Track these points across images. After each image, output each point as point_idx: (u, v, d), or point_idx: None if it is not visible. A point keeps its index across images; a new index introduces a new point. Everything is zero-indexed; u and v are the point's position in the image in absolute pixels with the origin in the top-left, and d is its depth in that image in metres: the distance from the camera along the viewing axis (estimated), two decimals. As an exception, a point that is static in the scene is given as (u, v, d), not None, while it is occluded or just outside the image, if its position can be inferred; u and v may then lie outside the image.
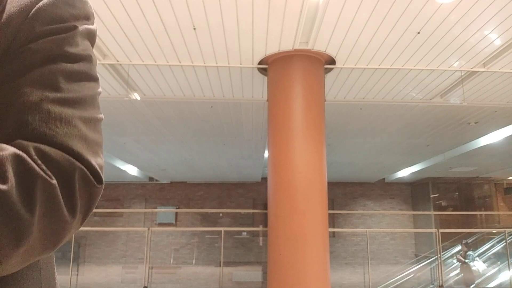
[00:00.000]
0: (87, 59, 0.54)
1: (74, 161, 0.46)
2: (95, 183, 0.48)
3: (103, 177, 0.50)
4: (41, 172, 0.41)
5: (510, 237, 8.56)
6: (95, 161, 0.49)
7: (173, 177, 14.09)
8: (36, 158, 0.42)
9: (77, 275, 11.60)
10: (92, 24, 0.57)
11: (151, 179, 14.53)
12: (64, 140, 0.46)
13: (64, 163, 0.44)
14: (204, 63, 4.53)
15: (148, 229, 6.94)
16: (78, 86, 0.51)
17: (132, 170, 11.98)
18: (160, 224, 14.45)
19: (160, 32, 3.84)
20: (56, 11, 0.52)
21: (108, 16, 3.56)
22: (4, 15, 0.49)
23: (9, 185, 0.38)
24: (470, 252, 8.76)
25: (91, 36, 0.57)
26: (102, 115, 0.54)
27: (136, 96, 5.36)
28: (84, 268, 13.08)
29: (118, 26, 3.72)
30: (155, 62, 4.48)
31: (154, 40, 4.00)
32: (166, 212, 14.42)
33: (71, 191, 0.45)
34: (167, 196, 14.73)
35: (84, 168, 0.47)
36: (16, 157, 0.40)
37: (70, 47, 0.52)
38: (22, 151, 0.42)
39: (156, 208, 14.58)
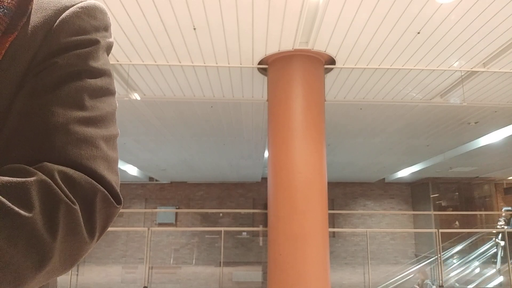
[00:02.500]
0: (108, 73, 0.55)
1: (96, 184, 0.47)
2: (115, 204, 0.50)
3: (122, 198, 0.51)
4: (65, 198, 0.43)
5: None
6: (115, 181, 0.51)
7: (173, 177, 14.09)
8: (60, 183, 0.44)
9: (77, 275, 11.58)
10: (110, 34, 0.59)
11: (151, 179, 14.53)
12: (88, 163, 0.48)
13: (86, 187, 0.46)
14: (204, 63, 4.53)
15: (148, 229, 6.94)
16: (101, 102, 0.53)
17: (132, 170, 11.98)
18: (160, 224, 14.45)
19: (160, 32, 3.84)
20: (79, 23, 0.52)
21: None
22: (30, 26, 0.49)
23: (34, 212, 0.40)
24: (427, 281, 8.77)
25: (109, 49, 0.58)
26: (118, 130, 0.56)
27: (136, 96, 5.36)
28: (84, 268, 13.07)
29: (118, 26, 3.72)
30: (155, 62, 4.48)
31: (154, 40, 4.00)
32: (166, 212, 14.42)
33: (92, 214, 0.46)
34: (167, 196, 14.73)
35: (105, 191, 0.48)
36: (42, 183, 0.42)
37: (93, 61, 0.53)
38: (48, 175, 0.43)
39: (156, 208, 14.58)
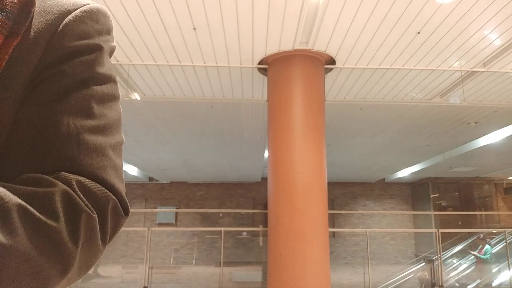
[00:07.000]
0: (113, 79, 0.56)
1: (108, 193, 0.48)
2: (123, 214, 0.51)
3: (129, 207, 0.52)
4: (85, 207, 0.44)
5: (510, 237, 8.56)
6: (123, 190, 0.52)
7: (173, 177, 14.09)
8: (79, 192, 0.45)
9: (77, 275, 11.59)
10: (112, 38, 0.60)
11: (151, 179, 14.52)
12: (99, 173, 0.49)
13: (100, 196, 0.47)
14: (204, 63, 4.53)
15: (148, 229, 6.94)
16: (107, 109, 0.53)
17: (132, 170, 11.98)
18: (160, 224, 14.44)
19: (160, 32, 3.84)
20: (82, 27, 0.53)
21: (108, 16, 3.56)
22: (32, 31, 0.49)
23: (60, 222, 0.41)
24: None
25: (111, 53, 0.59)
26: (123, 137, 0.57)
27: (136, 96, 5.36)
28: (84, 268, 13.06)
29: (118, 26, 3.72)
30: (155, 62, 4.48)
31: (154, 40, 4.00)
32: (166, 212, 14.43)
33: (105, 221, 0.47)
34: (167, 196, 14.73)
35: (116, 199, 0.49)
36: (65, 193, 0.43)
37: (99, 67, 0.53)
38: (67, 185, 0.44)
39: (156, 208, 14.58)
